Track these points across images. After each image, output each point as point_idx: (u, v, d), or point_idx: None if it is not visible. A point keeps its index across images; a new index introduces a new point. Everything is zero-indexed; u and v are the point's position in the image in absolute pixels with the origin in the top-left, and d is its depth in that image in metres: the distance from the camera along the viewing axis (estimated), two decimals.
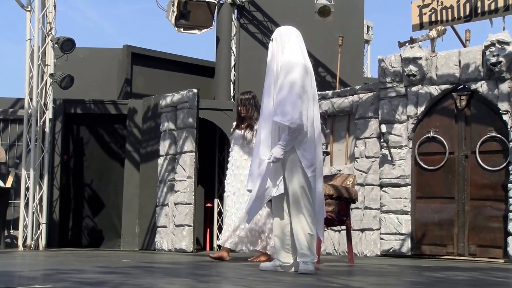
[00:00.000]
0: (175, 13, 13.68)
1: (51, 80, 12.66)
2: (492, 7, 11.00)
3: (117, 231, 14.32)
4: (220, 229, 13.47)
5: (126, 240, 13.89)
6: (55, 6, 12.80)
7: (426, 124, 11.18)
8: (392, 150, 11.25)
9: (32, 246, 12.28)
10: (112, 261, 8.61)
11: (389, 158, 11.27)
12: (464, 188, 10.70)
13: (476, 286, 5.68)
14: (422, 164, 11.12)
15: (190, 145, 12.55)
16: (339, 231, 11.73)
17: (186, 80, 15.88)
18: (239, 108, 9.15)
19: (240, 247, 9.03)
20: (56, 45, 12.54)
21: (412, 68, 11.10)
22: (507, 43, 10.21)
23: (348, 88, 12.60)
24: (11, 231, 13.34)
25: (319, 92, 12.05)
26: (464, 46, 12.33)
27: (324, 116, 12.43)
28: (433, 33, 11.90)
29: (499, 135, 10.35)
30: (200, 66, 16.69)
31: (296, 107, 6.43)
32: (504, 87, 10.26)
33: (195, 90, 12.83)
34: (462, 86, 10.92)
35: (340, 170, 11.87)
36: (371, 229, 11.47)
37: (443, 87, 10.98)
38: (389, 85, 11.45)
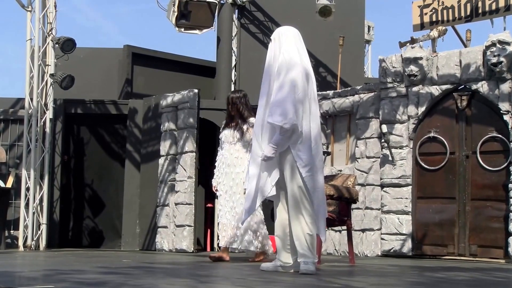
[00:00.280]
0: (175, 13, 13.67)
1: (52, 80, 12.65)
2: (493, 7, 10.99)
3: (118, 231, 14.31)
4: None
5: (127, 241, 13.88)
6: (55, 6, 12.81)
7: (427, 124, 11.17)
8: (393, 150, 11.24)
9: (32, 246, 12.28)
10: (112, 262, 8.61)
11: (390, 158, 11.26)
12: (465, 188, 10.69)
13: (477, 286, 5.68)
14: (423, 164, 11.11)
15: (190, 145, 12.54)
16: (340, 231, 11.72)
17: (186, 80, 15.87)
18: (229, 107, 9.17)
19: (236, 246, 9.05)
20: (57, 45, 12.54)
21: (413, 68, 11.10)
22: (508, 43, 10.20)
23: (349, 88, 12.60)
24: (12, 231, 13.33)
25: (320, 92, 12.09)
26: (465, 46, 12.32)
27: (325, 116, 12.43)
28: (434, 33, 11.89)
29: (500, 135, 10.34)
30: (201, 66, 16.69)
31: (289, 108, 6.43)
32: (505, 87, 10.25)
33: (196, 90, 12.82)
34: (463, 86, 10.91)
35: (341, 170, 11.86)
36: (372, 229, 11.46)
37: (444, 87, 10.98)
38: (390, 85, 11.44)
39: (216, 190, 9.35)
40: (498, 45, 10.25)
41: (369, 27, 23.23)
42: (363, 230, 11.54)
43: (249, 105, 9.39)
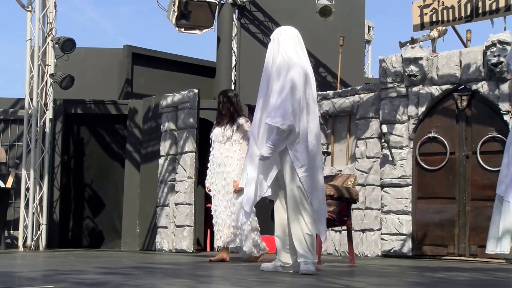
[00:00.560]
0: (175, 13, 13.68)
1: (52, 80, 12.65)
2: (493, 7, 10.99)
3: (118, 231, 14.31)
4: None
5: (127, 241, 13.88)
6: (55, 6, 12.80)
7: (427, 124, 11.17)
8: (393, 150, 11.23)
9: (32, 246, 12.27)
10: (112, 262, 8.61)
11: (390, 158, 11.25)
12: (465, 189, 10.69)
13: (477, 286, 5.67)
14: (423, 164, 11.11)
15: (190, 146, 12.54)
16: (340, 231, 11.72)
17: (186, 80, 15.87)
18: (220, 105, 9.16)
19: (233, 245, 9.05)
20: (57, 45, 12.54)
21: (413, 68, 11.09)
22: (508, 43, 10.20)
23: (349, 88, 12.59)
24: (11, 231, 13.33)
25: (320, 92, 12.09)
26: (465, 46, 12.32)
27: (325, 116, 12.43)
28: (434, 33, 11.90)
29: (500, 136, 10.34)
30: (201, 66, 16.69)
31: (287, 109, 6.43)
32: (505, 87, 10.25)
33: (196, 90, 12.81)
34: (463, 86, 10.91)
35: (341, 171, 11.86)
36: (372, 230, 11.45)
37: (444, 87, 10.97)
38: (390, 85, 11.44)
39: (210, 190, 9.32)
40: (498, 45, 10.25)
41: (369, 27, 23.24)
42: (363, 230, 11.54)
43: (240, 104, 9.41)
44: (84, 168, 15.04)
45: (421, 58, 11.08)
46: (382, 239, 11.29)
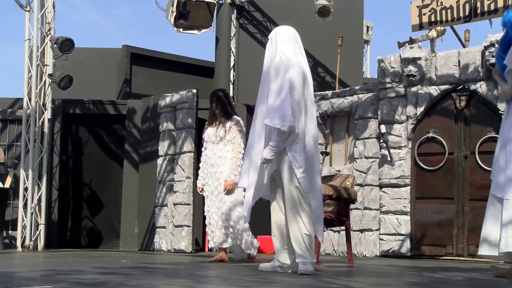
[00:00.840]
0: (174, 13, 13.68)
1: (50, 80, 12.65)
2: (492, 7, 10.99)
3: (116, 231, 14.31)
4: None
5: (125, 241, 13.89)
6: (54, 6, 12.80)
7: (425, 124, 11.17)
8: (392, 150, 11.24)
9: (30, 246, 12.27)
10: (111, 262, 8.60)
11: (389, 158, 11.26)
12: (463, 189, 10.69)
13: (475, 286, 5.67)
14: (421, 164, 11.11)
15: (189, 146, 12.54)
16: (338, 231, 11.72)
17: (185, 80, 15.88)
18: (214, 105, 9.08)
19: (225, 245, 9.01)
20: (55, 45, 12.54)
21: (411, 68, 11.09)
22: None
23: (348, 89, 12.59)
24: (10, 231, 13.32)
25: (318, 93, 12.11)
26: (464, 46, 12.32)
27: (323, 116, 12.43)
28: (433, 33, 11.90)
29: (499, 136, 10.32)
30: (200, 66, 16.70)
31: (288, 110, 6.41)
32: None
33: (194, 91, 12.81)
34: (461, 86, 10.91)
35: (339, 171, 11.86)
36: (370, 230, 11.45)
37: (443, 87, 10.97)
38: (388, 85, 11.44)
39: (202, 191, 9.27)
40: (497, 46, 10.24)
41: (367, 27, 23.25)
42: (361, 231, 11.54)
43: (232, 103, 9.38)
44: (83, 168, 15.04)
45: (419, 58, 11.07)
46: (380, 239, 11.29)
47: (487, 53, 10.37)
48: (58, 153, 14.14)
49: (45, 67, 12.73)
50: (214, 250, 9.56)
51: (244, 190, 7.03)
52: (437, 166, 10.95)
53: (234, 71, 15.28)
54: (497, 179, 5.35)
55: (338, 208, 8.74)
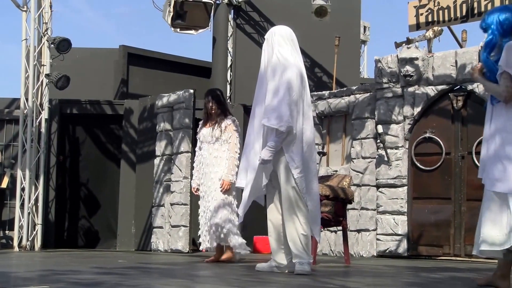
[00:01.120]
0: (171, 13, 13.69)
1: (47, 80, 12.64)
2: (489, 7, 10.99)
3: (113, 231, 14.30)
4: None
5: (122, 241, 13.88)
6: (51, 6, 12.78)
7: (422, 124, 11.17)
8: (389, 150, 11.24)
9: (27, 246, 12.26)
10: (108, 262, 8.60)
11: (386, 158, 11.26)
12: (460, 189, 10.70)
13: (472, 286, 5.67)
14: (418, 164, 11.11)
15: (186, 146, 12.53)
16: (335, 231, 11.72)
17: (182, 80, 15.88)
18: (210, 105, 8.98)
19: (215, 245, 8.90)
20: (52, 45, 12.53)
21: (408, 68, 11.10)
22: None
23: (345, 89, 12.59)
24: (7, 231, 13.32)
25: (315, 93, 12.11)
26: (461, 46, 12.33)
27: (320, 116, 12.43)
28: (430, 33, 11.91)
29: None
30: (197, 66, 16.70)
31: (286, 110, 6.41)
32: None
33: (191, 91, 12.81)
34: (458, 86, 10.92)
35: (336, 171, 11.86)
36: (367, 230, 11.45)
37: (440, 87, 10.98)
38: (385, 85, 11.45)
39: (197, 191, 9.19)
40: None
41: (365, 27, 23.31)
42: (358, 231, 11.54)
43: (227, 103, 9.33)
44: (80, 168, 15.02)
45: (416, 59, 11.08)
46: (377, 239, 11.30)
47: None
48: (55, 153, 14.13)
49: (42, 67, 12.72)
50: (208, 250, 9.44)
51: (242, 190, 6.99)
52: (434, 166, 10.96)
53: (231, 71, 15.28)
54: (493, 175, 5.35)
55: (335, 208, 8.75)
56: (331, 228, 11.36)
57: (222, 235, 8.70)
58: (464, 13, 11.28)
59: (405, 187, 11.15)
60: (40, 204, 12.63)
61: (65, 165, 14.78)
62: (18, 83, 12.69)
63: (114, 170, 14.59)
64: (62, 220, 14.59)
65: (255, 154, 6.63)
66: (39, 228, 12.57)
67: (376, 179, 11.44)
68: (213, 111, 8.93)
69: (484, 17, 5.66)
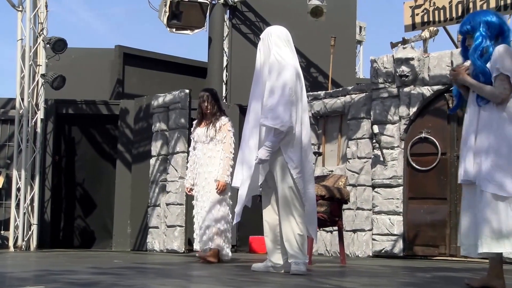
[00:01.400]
0: (167, 14, 13.68)
1: (43, 80, 12.63)
2: (484, 7, 11.01)
3: (109, 231, 14.29)
4: None
5: (118, 241, 13.87)
6: (46, 6, 12.78)
7: (418, 124, 11.18)
8: (384, 150, 11.25)
9: (23, 247, 12.25)
10: (104, 262, 8.59)
11: (381, 158, 11.27)
12: (456, 189, 10.68)
13: (468, 286, 5.67)
14: (414, 165, 11.12)
15: (182, 146, 12.53)
16: (331, 231, 11.72)
17: (178, 80, 15.87)
18: (205, 105, 8.89)
19: (207, 246, 8.79)
20: (48, 45, 12.51)
21: (404, 68, 11.11)
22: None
23: (340, 89, 12.59)
24: (2, 231, 13.28)
25: (311, 93, 12.11)
26: (456, 47, 12.35)
27: (316, 116, 12.43)
28: (426, 33, 11.94)
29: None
30: (192, 66, 16.69)
31: (286, 110, 6.41)
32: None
33: (187, 91, 12.81)
34: (454, 87, 10.90)
35: (332, 171, 11.86)
36: (363, 230, 11.46)
37: (436, 87, 10.99)
38: (381, 85, 11.45)
39: (190, 190, 9.14)
40: None
41: (360, 27, 23.28)
42: (354, 231, 11.54)
43: (221, 102, 9.31)
44: (76, 168, 15.01)
45: (412, 59, 11.09)
46: (373, 239, 11.30)
47: None
48: (50, 153, 14.11)
49: (37, 67, 12.71)
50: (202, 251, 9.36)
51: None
52: (430, 166, 10.97)
53: (227, 71, 15.28)
54: (495, 178, 5.34)
55: (331, 208, 8.75)
56: (327, 228, 11.36)
57: (215, 237, 8.66)
58: (459, 13, 11.30)
59: (401, 187, 11.16)
60: (35, 204, 12.63)
61: (60, 165, 14.76)
62: (13, 83, 12.67)
63: (110, 170, 14.58)
64: (57, 220, 14.57)
65: (250, 151, 6.62)
66: (34, 228, 12.57)
67: (372, 179, 11.44)
68: (208, 111, 8.88)
69: (464, 20, 5.64)
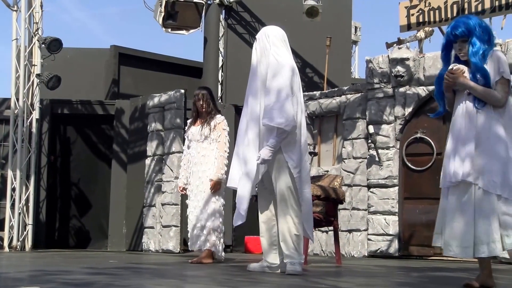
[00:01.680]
0: (162, 14, 13.67)
1: (38, 80, 12.61)
2: (479, 8, 11.02)
3: (104, 232, 14.29)
4: None
5: (113, 241, 13.87)
6: (41, 6, 12.77)
7: (413, 125, 11.19)
8: (380, 151, 11.25)
9: (18, 247, 12.23)
10: (99, 262, 8.58)
11: (377, 159, 11.27)
12: None
13: (464, 287, 5.68)
14: (409, 165, 11.13)
15: (177, 146, 12.53)
16: (326, 231, 11.73)
17: (173, 80, 15.87)
18: (201, 103, 8.85)
19: (202, 247, 8.76)
20: (43, 45, 12.50)
21: (399, 69, 11.11)
22: (495, 45, 10.21)
23: (336, 89, 12.60)
24: None
25: (306, 93, 12.10)
26: None
27: (311, 116, 12.43)
28: (421, 34, 11.92)
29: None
30: (188, 66, 16.70)
31: (288, 110, 6.40)
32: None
33: (183, 91, 12.81)
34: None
35: (327, 171, 11.87)
36: (358, 230, 11.47)
37: (431, 88, 10.98)
38: (376, 86, 11.46)
39: (183, 190, 9.11)
40: None
41: (356, 27, 23.31)
42: (349, 231, 11.55)
43: (216, 101, 9.28)
44: (71, 168, 15.00)
45: (407, 59, 11.10)
46: (368, 239, 11.31)
47: None
48: (46, 153, 14.10)
49: (33, 67, 12.70)
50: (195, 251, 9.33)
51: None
52: (425, 166, 10.98)
53: (222, 71, 15.27)
54: (492, 178, 5.37)
55: (326, 209, 8.74)
56: (322, 228, 11.37)
57: (208, 236, 8.64)
58: (455, 14, 11.29)
59: (396, 187, 11.17)
60: (31, 204, 12.62)
61: (56, 165, 14.75)
62: (8, 83, 12.65)
63: (105, 170, 14.58)
64: (53, 220, 14.56)
65: (246, 146, 6.60)
66: (29, 228, 12.56)
67: (367, 179, 11.45)
68: (203, 109, 8.85)
69: (457, 24, 5.61)
